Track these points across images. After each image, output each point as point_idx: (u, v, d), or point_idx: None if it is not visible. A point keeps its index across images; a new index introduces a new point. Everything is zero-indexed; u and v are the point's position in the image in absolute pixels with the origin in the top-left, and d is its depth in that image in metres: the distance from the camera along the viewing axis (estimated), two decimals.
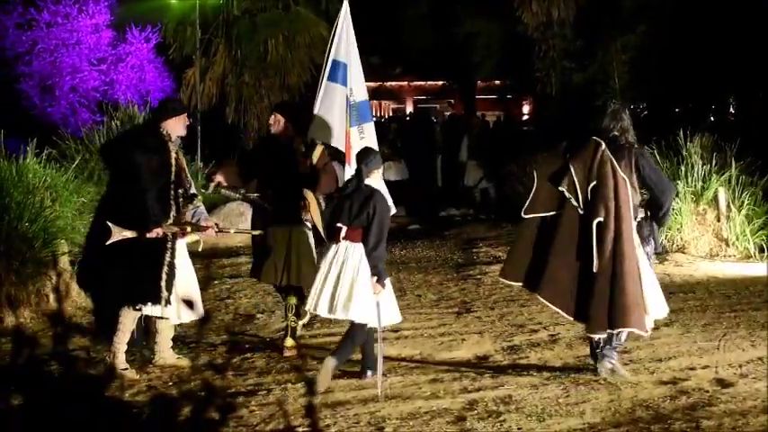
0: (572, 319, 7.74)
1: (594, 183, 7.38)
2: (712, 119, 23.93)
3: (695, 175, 13.57)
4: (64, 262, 10.31)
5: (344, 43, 9.05)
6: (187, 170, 8.09)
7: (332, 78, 9.01)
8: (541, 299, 7.76)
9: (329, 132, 8.97)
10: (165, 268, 7.62)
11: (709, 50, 20.51)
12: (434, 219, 19.05)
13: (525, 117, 33.98)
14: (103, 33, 22.89)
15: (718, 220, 13.56)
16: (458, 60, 32.90)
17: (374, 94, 42.67)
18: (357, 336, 7.69)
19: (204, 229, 8.02)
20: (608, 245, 7.32)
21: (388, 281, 7.79)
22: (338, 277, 7.58)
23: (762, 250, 13.20)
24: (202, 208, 8.18)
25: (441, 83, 39.51)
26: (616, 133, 7.55)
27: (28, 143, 11.10)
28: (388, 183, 21.05)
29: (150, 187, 7.54)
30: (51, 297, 9.93)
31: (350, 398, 7.18)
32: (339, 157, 9.49)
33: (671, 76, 21.64)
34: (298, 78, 22.58)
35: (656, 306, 7.73)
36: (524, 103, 35.70)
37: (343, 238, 7.63)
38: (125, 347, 7.80)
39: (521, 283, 7.94)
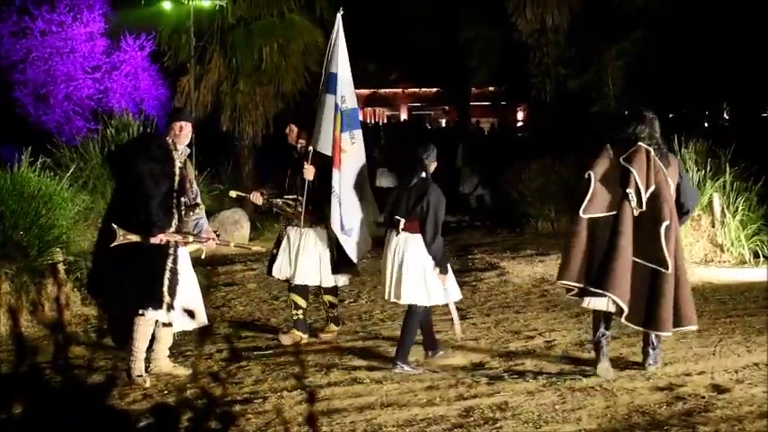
0: (623, 320, 7.87)
1: (653, 188, 7.68)
2: (706, 124, 24.01)
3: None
4: (60, 270, 10.30)
5: (337, 54, 9.34)
6: (193, 180, 8.21)
7: (329, 90, 9.24)
8: (610, 295, 7.73)
9: (320, 139, 9.16)
10: (168, 274, 7.68)
11: (703, 56, 20.55)
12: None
13: (520, 124, 34.01)
14: (98, 41, 22.89)
15: (713, 226, 13.59)
16: (452, 67, 32.97)
17: (368, 100, 42.86)
18: (414, 320, 8.37)
19: (205, 240, 8.08)
20: (673, 246, 7.67)
21: (448, 265, 8.41)
22: (401, 267, 8.23)
23: (756, 256, 13.23)
24: (204, 219, 8.27)
25: (435, 90, 39.58)
26: (658, 140, 7.93)
27: (22, 151, 11.09)
28: (380, 190, 21.20)
29: (153, 194, 7.61)
30: (48, 305, 9.92)
31: (346, 405, 7.18)
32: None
33: (665, 82, 21.67)
34: (292, 86, 22.54)
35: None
36: (519, 109, 35.76)
37: (402, 230, 8.29)
38: (143, 355, 7.83)
39: (581, 284, 7.93)
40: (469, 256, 14.21)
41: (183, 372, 7.99)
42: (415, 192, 8.24)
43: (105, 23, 23.01)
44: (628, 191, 7.71)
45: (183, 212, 7.89)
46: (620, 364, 8.24)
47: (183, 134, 7.96)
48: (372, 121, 41.42)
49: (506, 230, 17.98)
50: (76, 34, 22.35)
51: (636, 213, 7.73)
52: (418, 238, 8.19)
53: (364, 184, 9.26)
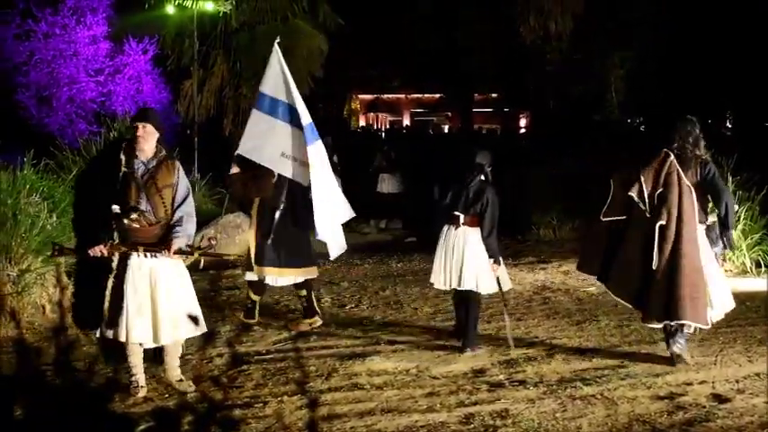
0: (632, 306, 8.81)
1: (661, 190, 8.25)
2: (709, 133, 24.01)
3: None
4: (61, 273, 10.30)
5: (276, 80, 10.05)
6: (164, 187, 7.48)
7: (261, 108, 10.04)
8: (608, 290, 8.87)
9: (262, 154, 9.89)
10: (109, 290, 7.36)
11: (706, 65, 20.57)
12: (431, 232, 19.05)
13: (522, 130, 34.02)
14: (101, 44, 22.90)
15: None
16: (455, 73, 33.00)
17: (371, 106, 42.90)
18: (475, 308, 9.30)
19: (157, 251, 7.42)
20: (668, 245, 8.18)
21: (500, 258, 9.24)
22: (462, 257, 9.10)
23: (758, 265, 13.21)
24: (180, 228, 7.49)
25: (438, 96, 39.60)
26: (686, 145, 8.37)
27: (25, 154, 11.09)
28: (382, 195, 21.11)
29: (90, 204, 7.40)
30: (49, 308, 9.92)
31: (346, 411, 7.17)
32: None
33: (668, 91, 21.69)
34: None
35: (721, 301, 8.53)
36: (521, 116, 35.77)
37: (462, 224, 9.16)
38: (138, 368, 7.57)
39: (594, 276, 9.15)
40: None
41: (185, 388, 7.63)
42: (473, 191, 9.15)
43: (109, 27, 23.02)
44: (630, 194, 8.33)
45: (128, 222, 7.37)
46: (620, 373, 8.23)
47: (140, 137, 7.48)
48: (375, 126, 41.45)
49: (508, 237, 17.97)
50: (80, 37, 22.36)
51: (648, 215, 8.29)
52: (476, 231, 9.10)
53: (333, 190, 10.13)
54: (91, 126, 21.68)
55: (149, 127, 7.54)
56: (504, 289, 9.43)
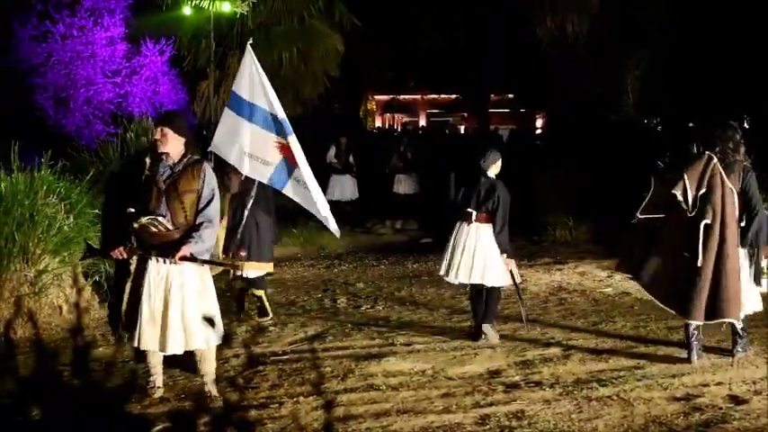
0: (662, 305, 8.85)
1: (704, 190, 8.46)
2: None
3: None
4: (78, 274, 10.34)
5: (247, 80, 10.34)
6: (186, 191, 7.27)
7: (232, 108, 10.42)
8: (641, 286, 9.15)
9: (229, 152, 10.30)
10: (126, 295, 7.25)
11: (722, 66, 20.48)
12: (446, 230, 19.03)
13: (538, 131, 33.97)
14: (118, 46, 22.92)
15: None
16: (471, 74, 32.97)
17: (387, 107, 42.90)
18: (495, 298, 9.79)
19: (166, 256, 7.21)
20: (713, 244, 8.40)
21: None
22: (474, 252, 9.58)
23: None
24: (198, 234, 7.25)
25: (454, 96, 39.55)
26: (727, 150, 8.55)
27: (42, 155, 11.13)
28: (398, 196, 21.10)
29: (109, 208, 7.39)
30: (66, 309, 9.96)
31: (362, 411, 7.18)
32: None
33: (685, 91, 21.61)
34: (311, 91, 22.65)
35: (751, 301, 8.82)
36: (537, 117, 35.72)
37: (475, 221, 9.63)
38: (158, 368, 7.52)
39: (630, 275, 9.33)
40: None
41: (214, 399, 7.45)
42: (484, 188, 9.62)
43: (126, 28, 23.06)
44: (674, 191, 8.51)
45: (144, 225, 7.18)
46: (636, 374, 8.22)
47: (158, 140, 7.34)
48: (391, 127, 41.45)
49: (523, 238, 17.94)
50: (97, 38, 22.39)
51: (690, 215, 8.49)
52: (488, 227, 9.61)
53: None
54: (108, 127, 21.70)
55: (168, 131, 7.35)
56: (518, 281, 10.12)
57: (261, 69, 10.32)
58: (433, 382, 8.04)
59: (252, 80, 10.29)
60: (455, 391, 7.74)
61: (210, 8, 20.74)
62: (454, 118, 39.81)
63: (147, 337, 7.23)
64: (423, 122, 42.21)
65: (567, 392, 7.68)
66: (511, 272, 9.81)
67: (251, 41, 10.69)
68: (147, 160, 7.31)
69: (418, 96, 42.72)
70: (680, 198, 8.50)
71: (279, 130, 10.09)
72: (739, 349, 8.79)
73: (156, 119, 7.69)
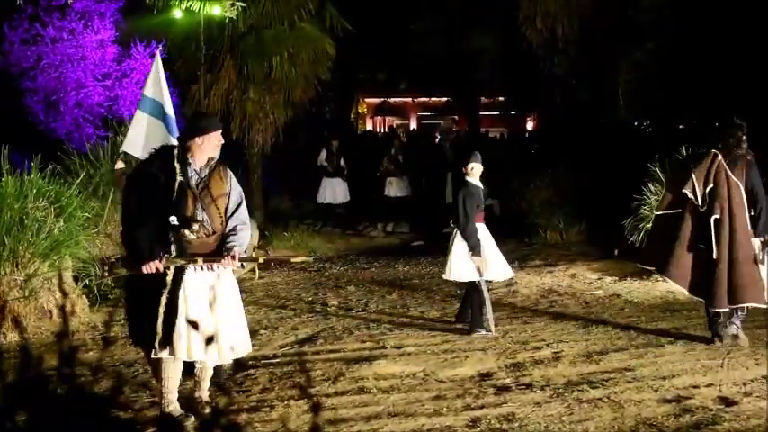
0: (688, 294, 9.50)
1: (711, 186, 9.11)
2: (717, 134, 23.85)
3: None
4: (68, 277, 10.32)
5: (155, 84, 10.96)
6: (219, 196, 6.98)
7: (143, 109, 10.89)
8: (668, 279, 9.70)
9: (142, 151, 10.36)
10: (162, 309, 6.75)
11: (713, 68, 20.51)
12: (438, 235, 19.06)
13: (528, 134, 33.97)
14: (108, 49, 22.89)
15: None
16: (462, 77, 32.97)
17: (378, 109, 42.88)
18: (472, 295, 10.25)
19: (217, 261, 6.93)
20: (724, 236, 9.05)
21: (487, 245, 10.33)
22: (450, 251, 10.37)
23: None
24: (237, 236, 7.02)
25: (445, 99, 39.55)
26: (730, 145, 9.21)
27: (32, 158, 11.11)
28: (389, 199, 21.17)
29: (141, 218, 6.75)
30: (55, 312, 9.93)
31: (353, 414, 7.17)
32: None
33: (676, 94, 21.63)
34: (303, 94, 22.55)
35: None
36: (528, 119, 35.72)
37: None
38: (174, 394, 7.01)
39: (653, 268, 10.01)
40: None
41: (205, 405, 7.26)
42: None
43: (116, 31, 23.03)
44: (684, 191, 9.20)
45: (181, 232, 6.85)
46: (627, 376, 8.23)
47: (207, 145, 6.96)
48: (381, 130, 41.42)
49: (515, 241, 17.96)
50: (87, 42, 22.35)
51: (702, 210, 9.16)
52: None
53: None
54: (98, 130, 21.67)
55: (213, 135, 7.04)
56: (492, 278, 10.59)
57: (162, 74, 11.02)
58: (424, 385, 8.03)
59: (158, 82, 10.89)
60: (446, 394, 7.74)
61: (201, 12, 20.67)
62: (445, 121, 39.75)
63: (197, 348, 6.89)
64: (413, 125, 42.15)
65: (558, 394, 7.68)
66: (478, 268, 10.15)
67: (160, 49, 11.53)
68: (178, 165, 6.89)
69: (409, 99, 42.68)
70: (690, 196, 9.18)
71: (174, 131, 10.61)
72: (732, 330, 9.36)
73: (217, 124, 7.19)
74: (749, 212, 9.17)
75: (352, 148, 24.42)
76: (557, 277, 13.83)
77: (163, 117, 10.76)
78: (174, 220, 6.77)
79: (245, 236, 7.10)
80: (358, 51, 30.32)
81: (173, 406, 6.93)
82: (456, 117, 38.10)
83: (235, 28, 21.98)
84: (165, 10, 21.43)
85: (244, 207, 7.17)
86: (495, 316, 10.80)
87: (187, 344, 6.81)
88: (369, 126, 42.08)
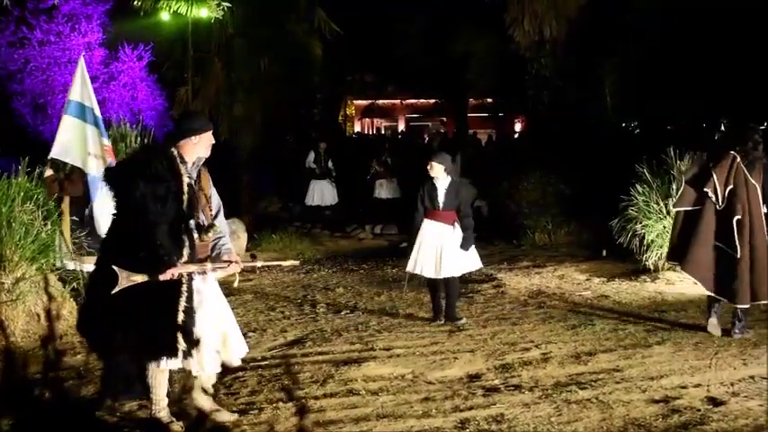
0: (707, 291, 9.83)
1: (731, 187, 9.49)
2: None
3: None
4: (55, 281, 10.29)
5: (82, 87, 11.19)
6: (209, 197, 6.89)
7: (70, 113, 11.14)
8: (685, 272, 10.23)
9: (71, 155, 11.02)
10: (181, 316, 6.50)
11: (700, 70, 20.57)
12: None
13: (517, 135, 34.03)
14: (96, 52, 22.86)
15: None
16: (450, 79, 33.01)
17: (366, 111, 42.88)
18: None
19: (226, 265, 6.90)
20: (746, 236, 9.45)
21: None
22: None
23: None
24: (226, 238, 7.04)
25: (433, 101, 39.57)
26: (747, 148, 9.59)
27: (20, 161, 11.08)
28: (379, 201, 21.22)
29: (158, 221, 6.41)
30: (42, 316, 9.89)
31: (342, 416, 7.16)
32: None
33: (663, 95, 21.68)
34: (290, 96, 22.61)
35: None
36: (516, 121, 35.77)
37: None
38: (166, 401, 6.84)
39: (676, 262, 10.44)
40: None
41: (229, 418, 7.11)
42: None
43: (103, 34, 23.00)
44: (705, 190, 9.59)
45: (197, 236, 6.68)
46: (615, 376, 8.24)
47: (201, 145, 6.78)
48: (371, 132, 41.44)
49: (503, 242, 18.00)
50: (75, 44, 22.32)
51: (719, 208, 9.55)
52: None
53: None
54: None
55: (208, 134, 6.91)
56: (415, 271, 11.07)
57: (87, 77, 11.26)
58: (413, 387, 8.03)
59: (84, 85, 11.06)
60: (435, 396, 7.73)
61: (188, 14, 20.67)
62: (433, 122, 39.76)
63: (210, 360, 6.81)
64: (402, 127, 42.18)
65: (547, 396, 7.69)
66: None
67: (84, 54, 11.78)
68: (182, 166, 6.64)
69: (397, 101, 42.70)
70: (711, 195, 9.57)
71: (104, 132, 11.02)
72: (737, 331, 9.65)
73: (209, 123, 6.98)
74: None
75: (340, 149, 24.44)
76: (545, 278, 13.85)
77: (93, 120, 10.98)
78: (193, 224, 6.63)
79: (229, 240, 7.09)
80: (346, 53, 30.36)
81: (164, 412, 6.83)
82: (444, 119, 38.14)
83: (223, 30, 21.99)
84: (152, 12, 21.43)
85: (222, 210, 7.11)
86: (483, 318, 10.84)
87: (201, 357, 6.73)
88: (357, 128, 42.08)
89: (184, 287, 6.54)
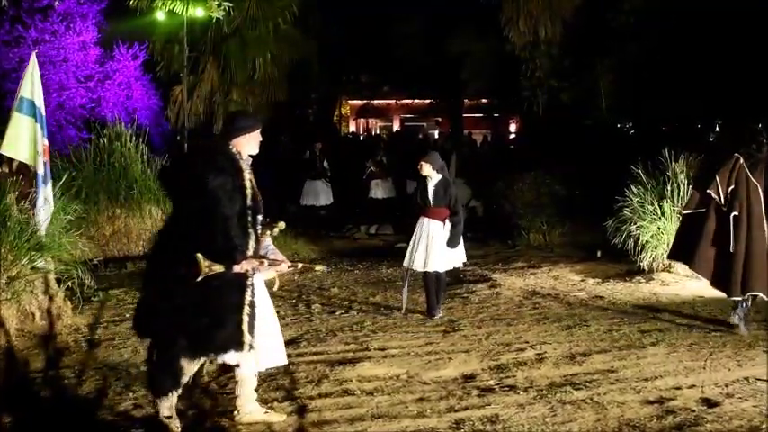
0: (710, 284, 10.37)
1: (732, 186, 9.88)
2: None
3: (681, 194, 13.60)
4: (51, 280, 10.28)
5: (32, 84, 11.10)
6: (259, 194, 6.90)
7: (20, 111, 11.00)
8: (691, 269, 10.78)
9: (20, 152, 10.90)
10: (247, 309, 6.62)
11: (695, 70, 20.58)
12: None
13: (512, 136, 34.04)
14: (91, 51, 22.85)
15: None
16: (446, 79, 33.00)
17: (361, 111, 42.86)
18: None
19: (278, 263, 7.00)
20: (742, 232, 9.82)
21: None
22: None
23: None
24: (269, 239, 7.13)
25: (428, 101, 39.53)
26: (751, 150, 10.01)
27: (13, 161, 11.07)
28: (375, 201, 21.25)
29: (230, 214, 6.50)
30: (38, 315, 9.89)
31: (337, 417, 7.17)
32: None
33: (657, 96, 21.70)
34: (285, 97, 22.63)
35: None
36: (511, 121, 35.77)
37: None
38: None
39: (681, 261, 11.11)
40: (460, 268, 14.18)
41: (278, 418, 7.11)
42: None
43: (99, 33, 22.98)
44: (708, 191, 10.01)
45: (260, 233, 6.78)
46: (610, 377, 8.25)
47: (252, 143, 6.95)
48: (365, 132, 41.43)
49: (498, 243, 18.01)
50: (69, 43, 22.31)
51: (724, 209, 9.91)
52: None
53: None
54: (80, 132, 21.65)
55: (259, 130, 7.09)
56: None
57: (38, 75, 11.18)
58: (408, 387, 8.03)
59: (34, 83, 11.04)
60: (429, 396, 7.74)
61: (184, 13, 20.68)
62: (428, 123, 39.75)
63: (269, 353, 7.01)
64: (397, 127, 42.14)
65: (541, 396, 7.70)
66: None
67: (36, 51, 11.99)
68: (242, 162, 6.80)
69: (392, 101, 42.66)
70: (714, 196, 9.96)
71: (45, 132, 11.08)
72: (735, 317, 10.06)
73: (258, 122, 7.14)
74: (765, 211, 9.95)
75: (335, 150, 24.44)
76: (540, 279, 13.86)
77: (41, 119, 11.03)
78: (261, 219, 6.78)
79: None
80: (342, 53, 30.36)
81: (167, 402, 6.78)
82: (439, 119, 38.11)
83: (218, 30, 21.99)
84: (147, 12, 21.44)
85: None
86: (478, 318, 10.85)
87: (264, 353, 6.93)
88: (352, 128, 42.07)
89: (249, 281, 6.66)
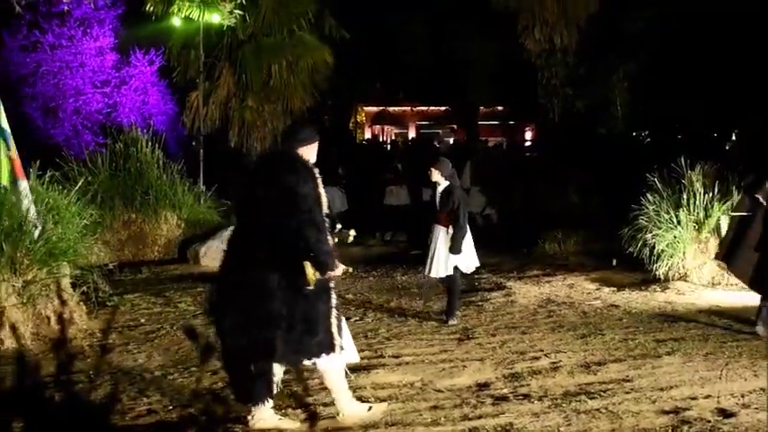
0: (747, 285, 10.80)
1: None
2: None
3: (697, 203, 13.57)
4: (66, 284, 10.30)
5: None
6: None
7: None
8: (729, 271, 11.51)
9: None
10: (334, 312, 6.91)
11: (712, 79, 20.54)
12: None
13: (528, 143, 34.03)
14: (107, 56, 22.95)
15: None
16: (461, 86, 33.04)
17: (377, 118, 42.90)
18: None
19: (336, 267, 7.06)
20: None
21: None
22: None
23: None
24: None
25: (443, 108, 39.57)
26: None
27: (31, 165, 11.12)
28: (390, 208, 21.22)
29: (321, 220, 6.70)
30: (53, 319, 9.91)
31: (351, 424, 7.15)
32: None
33: (673, 104, 21.66)
34: (301, 103, 22.65)
35: None
36: (527, 129, 35.77)
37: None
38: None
39: (722, 261, 11.42)
40: (475, 276, 14.12)
41: (290, 425, 7.13)
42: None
43: (115, 38, 23.08)
44: (757, 195, 10.31)
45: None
46: (625, 386, 8.22)
47: (313, 152, 7.15)
48: (382, 139, 41.46)
49: (513, 250, 17.97)
50: (86, 49, 22.42)
51: None
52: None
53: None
54: (97, 137, 21.73)
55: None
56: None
57: None
58: (422, 395, 8.02)
59: None
60: (444, 404, 7.72)
61: (200, 19, 20.73)
62: (443, 130, 39.78)
63: (349, 350, 7.27)
64: (412, 134, 42.17)
65: (556, 405, 7.67)
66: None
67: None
68: (316, 171, 6.93)
69: (408, 108, 42.70)
70: (762, 200, 10.29)
71: (9, 144, 10.70)
72: (759, 324, 10.34)
73: (316, 134, 7.41)
74: None
75: (350, 156, 24.46)
76: (555, 287, 13.82)
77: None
78: (339, 225, 7.12)
79: None
80: (357, 60, 30.39)
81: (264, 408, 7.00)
82: (454, 126, 38.13)
83: (234, 36, 22.03)
84: (164, 17, 21.49)
85: None
86: (493, 325, 10.82)
87: (351, 349, 7.22)
88: (368, 134, 42.11)
89: (332, 284, 6.98)
